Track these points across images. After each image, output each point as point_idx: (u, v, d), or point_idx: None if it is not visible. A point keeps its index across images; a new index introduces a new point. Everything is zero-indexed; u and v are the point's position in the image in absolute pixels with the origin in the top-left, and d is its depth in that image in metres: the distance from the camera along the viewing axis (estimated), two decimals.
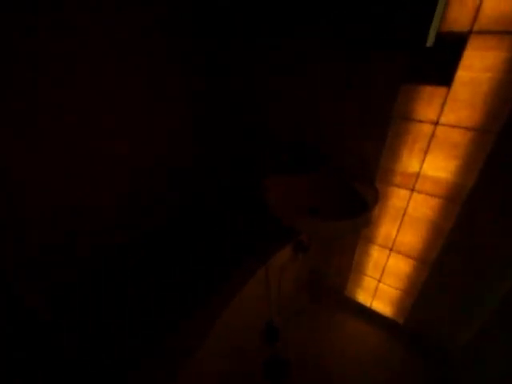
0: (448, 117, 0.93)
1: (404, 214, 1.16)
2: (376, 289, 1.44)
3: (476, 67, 0.83)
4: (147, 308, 0.99)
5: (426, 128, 0.98)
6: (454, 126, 0.93)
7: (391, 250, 1.27)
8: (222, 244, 1.25)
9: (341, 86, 1.06)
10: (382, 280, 1.39)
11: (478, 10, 0.77)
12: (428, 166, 1.03)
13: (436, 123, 0.95)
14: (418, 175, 1.06)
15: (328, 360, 1.36)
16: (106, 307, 0.99)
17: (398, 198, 1.14)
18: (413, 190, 1.09)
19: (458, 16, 0.80)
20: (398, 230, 1.21)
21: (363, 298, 1.53)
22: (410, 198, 1.11)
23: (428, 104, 0.94)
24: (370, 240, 1.32)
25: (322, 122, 1.17)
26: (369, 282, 1.44)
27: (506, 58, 0.78)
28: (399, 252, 1.26)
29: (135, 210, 1.19)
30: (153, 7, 0.99)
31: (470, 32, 0.80)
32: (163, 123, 1.19)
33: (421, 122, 0.98)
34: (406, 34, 0.87)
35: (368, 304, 1.52)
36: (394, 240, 1.24)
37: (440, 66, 0.88)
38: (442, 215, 1.08)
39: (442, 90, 0.91)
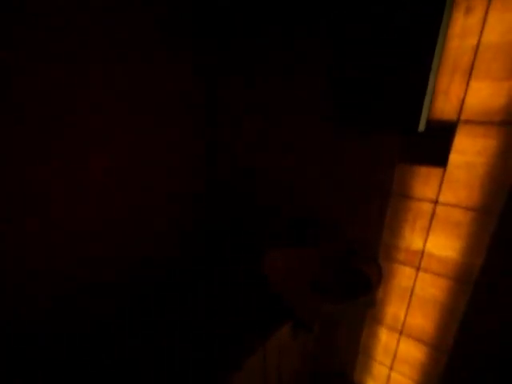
0: (447, 196, 0.92)
1: (411, 294, 1.08)
2: (388, 377, 1.27)
3: (469, 152, 0.85)
4: None
5: (426, 206, 0.96)
6: (453, 206, 0.91)
7: (401, 333, 1.16)
8: (219, 319, 1.14)
9: (342, 162, 1.08)
10: (394, 367, 1.23)
11: (462, 102, 0.82)
12: (432, 244, 0.99)
13: (435, 202, 0.94)
14: (422, 253, 1.01)
15: None
16: None
17: (403, 276, 1.08)
18: (418, 268, 1.04)
19: (444, 107, 0.85)
20: (407, 311, 1.11)
21: None
22: (416, 276, 1.05)
23: (425, 183, 0.95)
24: (377, 321, 1.21)
25: (322, 196, 1.17)
26: (379, 369, 1.28)
27: (495, 145, 0.80)
28: (410, 336, 1.14)
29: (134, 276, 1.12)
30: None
31: (457, 121, 0.84)
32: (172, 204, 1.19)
33: (420, 200, 0.97)
34: (398, 120, 0.91)
35: None
36: (404, 322, 1.14)
37: (433, 149, 0.90)
38: (452, 297, 1.00)
39: (438, 171, 0.92)
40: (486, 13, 0.75)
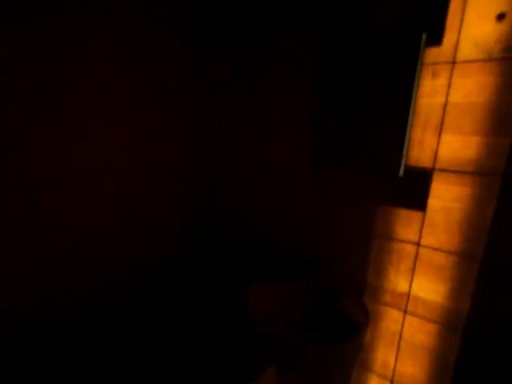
0: (428, 239, 0.95)
1: (400, 339, 1.06)
2: None
3: (446, 198, 0.90)
4: None
5: (409, 248, 0.99)
6: (435, 249, 0.94)
7: (392, 382, 1.11)
8: (202, 360, 1.08)
9: (328, 203, 1.12)
10: None
11: (435, 153, 0.89)
12: (417, 286, 0.99)
13: (418, 244, 0.97)
14: (408, 295, 1.02)
15: None
16: None
17: (390, 319, 1.06)
18: (405, 311, 1.03)
19: (419, 155, 0.92)
20: (396, 358, 1.08)
21: None
22: (403, 320, 1.04)
23: (407, 226, 0.98)
24: (366, 367, 1.16)
25: (309, 233, 1.19)
26: None
27: (470, 193, 0.85)
28: (398, 382, 1.09)
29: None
30: None
31: (433, 169, 0.90)
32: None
33: (402, 241, 1.00)
34: (381, 167, 0.97)
35: None
36: (394, 369, 1.10)
37: (412, 193, 0.95)
38: (441, 343, 0.98)
39: (418, 214, 0.96)
40: (450, 77, 0.84)
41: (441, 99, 0.87)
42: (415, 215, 0.96)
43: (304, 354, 1.08)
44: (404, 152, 0.94)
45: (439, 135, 0.88)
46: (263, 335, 0.99)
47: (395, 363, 1.09)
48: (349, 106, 1.00)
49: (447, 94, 0.86)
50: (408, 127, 0.91)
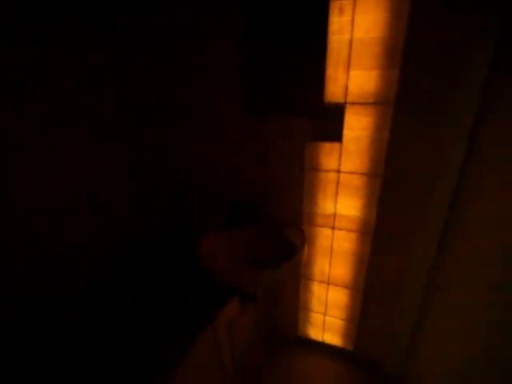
0: (346, 166, 1.12)
1: (331, 250, 1.30)
2: (323, 322, 1.51)
3: (356, 127, 1.04)
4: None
5: (332, 176, 1.15)
6: (351, 173, 1.12)
7: (328, 283, 1.38)
8: (162, 310, 1.20)
9: (264, 147, 1.20)
10: (327, 313, 1.47)
11: (346, 88, 1.00)
12: (340, 206, 1.19)
13: (338, 171, 1.14)
14: (334, 215, 1.22)
15: None
16: None
17: (323, 236, 1.28)
18: (333, 228, 1.25)
19: (334, 91, 1.02)
20: (330, 265, 1.33)
21: (314, 333, 1.58)
22: (332, 235, 1.26)
23: (330, 156, 1.13)
24: (309, 278, 1.42)
25: (249, 178, 1.29)
26: (316, 317, 1.51)
27: (372, 121, 1.01)
28: (336, 284, 1.37)
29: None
30: None
31: (345, 103, 1.02)
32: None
33: (327, 171, 1.15)
34: (304, 105, 1.05)
35: (320, 338, 1.58)
36: (329, 274, 1.36)
37: (330, 127, 1.08)
38: (359, 246, 1.24)
39: (337, 145, 1.10)
40: (353, 13, 0.91)
41: (347, 36, 0.95)
42: (334, 146, 1.10)
43: (256, 282, 1.27)
44: (324, 91, 1.02)
45: (348, 71, 0.98)
46: (219, 277, 1.11)
47: (329, 269, 1.35)
48: (271, 50, 1.02)
49: (352, 31, 0.93)
50: (325, 65, 0.98)
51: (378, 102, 0.98)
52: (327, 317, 1.48)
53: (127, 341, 1.05)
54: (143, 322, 1.13)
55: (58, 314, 1.09)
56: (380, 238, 1.16)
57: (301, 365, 1.55)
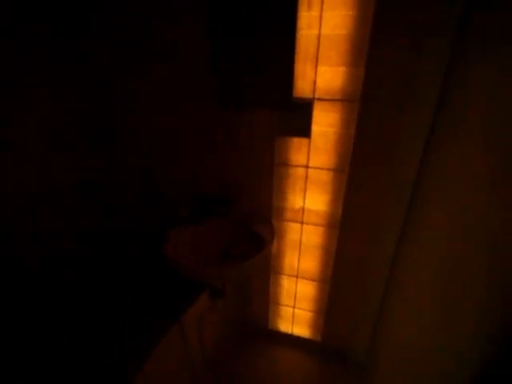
0: (314, 161, 1.13)
1: (300, 244, 1.32)
2: (293, 315, 1.54)
3: (324, 123, 1.06)
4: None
5: (301, 171, 1.17)
6: (319, 168, 1.14)
7: (297, 277, 1.41)
8: (129, 308, 1.15)
9: (231, 141, 1.18)
10: (296, 306, 1.50)
11: (314, 83, 1.01)
12: (309, 201, 1.21)
13: (307, 167, 1.15)
14: (303, 210, 1.24)
15: None
16: None
17: (292, 231, 1.30)
18: (302, 223, 1.26)
19: (302, 86, 1.02)
20: (299, 259, 1.36)
21: (284, 326, 1.61)
22: (301, 230, 1.28)
23: (298, 152, 1.14)
24: (278, 272, 1.43)
25: (218, 172, 1.26)
26: (286, 310, 1.54)
27: (339, 118, 1.03)
28: (304, 277, 1.40)
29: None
30: None
31: (313, 98, 1.03)
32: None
33: (296, 166, 1.16)
34: (276, 100, 1.05)
35: (289, 331, 1.61)
36: (298, 268, 1.38)
37: (299, 122, 1.08)
38: (327, 240, 1.27)
39: (306, 141, 1.11)
40: (322, 9, 0.92)
41: (315, 31, 0.95)
42: (303, 142, 1.11)
43: (225, 278, 1.26)
44: (292, 85, 1.02)
45: (316, 67, 0.98)
46: (189, 273, 1.08)
47: (298, 263, 1.37)
48: (240, 43, 1.00)
49: (320, 26, 0.94)
50: (293, 58, 0.98)
51: (345, 99, 0.99)
52: (296, 309, 1.51)
53: (94, 339, 1.00)
54: (108, 322, 1.08)
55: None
56: (346, 230, 1.20)
57: (271, 357, 1.57)
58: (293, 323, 1.57)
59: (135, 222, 1.47)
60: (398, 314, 1.10)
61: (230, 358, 1.54)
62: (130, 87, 1.19)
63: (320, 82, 1.00)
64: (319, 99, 1.02)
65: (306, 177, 1.17)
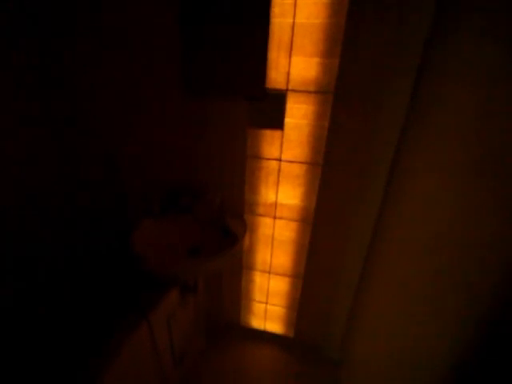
0: (287, 154, 1.11)
1: (273, 239, 1.29)
2: (265, 311, 1.52)
3: (297, 115, 1.04)
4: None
5: (273, 164, 1.14)
6: (292, 162, 1.12)
7: (269, 272, 1.39)
8: (94, 305, 1.08)
9: (200, 133, 1.13)
10: (269, 302, 1.48)
11: (288, 74, 0.98)
12: (281, 195, 1.19)
13: (279, 160, 1.13)
14: (276, 204, 1.21)
15: None
16: None
17: (265, 226, 1.27)
18: (275, 217, 1.24)
19: (276, 77, 0.99)
20: (271, 254, 1.33)
21: (256, 322, 1.59)
22: (274, 224, 1.26)
23: (271, 144, 1.11)
24: (250, 267, 1.40)
25: (187, 165, 1.21)
26: (258, 306, 1.52)
27: (313, 110, 1.01)
28: (277, 273, 1.38)
29: None
30: None
31: (287, 90, 1.00)
32: None
33: (268, 159, 1.14)
34: (247, 90, 1.01)
35: (262, 327, 1.59)
36: (270, 263, 1.36)
37: (272, 114, 1.05)
38: (300, 235, 1.25)
39: (278, 133, 1.09)
40: None
41: (289, 20, 0.92)
42: (276, 134, 1.09)
43: (196, 273, 1.21)
44: (265, 75, 0.99)
45: (289, 57, 0.96)
46: (156, 269, 1.03)
47: (271, 258, 1.35)
48: (211, 31, 0.95)
49: (294, 15, 0.91)
50: (266, 46, 0.94)
51: (319, 91, 0.98)
52: (269, 305, 1.49)
53: (57, 338, 0.93)
54: (72, 318, 1.00)
55: None
56: (319, 225, 1.19)
57: (242, 354, 1.54)
58: (265, 319, 1.55)
59: (99, 216, 1.38)
60: (371, 311, 1.11)
61: (200, 355, 1.50)
62: (95, 75, 1.10)
63: (294, 73, 0.97)
64: (293, 90, 1.00)
65: (279, 170, 1.14)
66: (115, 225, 1.40)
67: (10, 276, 1.08)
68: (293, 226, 1.25)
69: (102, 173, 1.31)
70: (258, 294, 1.47)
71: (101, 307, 1.07)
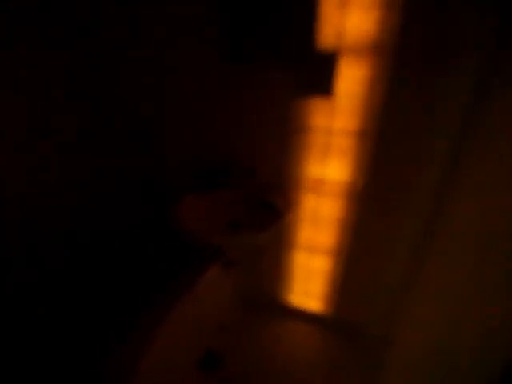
0: (336, 125, 1.02)
1: (316, 216, 1.24)
2: (305, 289, 1.50)
3: (350, 79, 0.94)
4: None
5: (321, 136, 1.06)
6: (342, 132, 1.03)
7: (311, 250, 1.35)
8: (145, 276, 1.14)
9: (243, 105, 1.08)
10: (309, 279, 1.45)
11: (341, 32, 0.87)
12: (329, 170, 1.11)
13: (328, 131, 1.04)
14: (322, 179, 1.14)
15: (275, 368, 1.36)
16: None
17: (308, 202, 1.22)
18: (320, 193, 1.18)
19: (327, 36, 0.89)
20: (315, 231, 1.29)
21: (296, 300, 1.58)
22: (318, 201, 1.19)
23: (319, 114, 1.02)
24: (292, 245, 1.37)
25: (230, 139, 1.18)
26: (298, 284, 1.50)
27: (367, 73, 0.90)
28: (318, 251, 1.34)
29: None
30: None
31: (339, 51, 0.90)
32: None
33: (316, 131, 1.06)
34: (292, 49, 0.93)
35: (301, 305, 1.58)
36: (313, 241, 1.32)
37: (322, 78, 0.96)
38: (346, 212, 1.18)
39: (327, 101, 1.00)
40: None
41: None
42: (325, 102, 1.00)
43: (238, 247, 1.21)
44: (314, 35, 0.90)
45: (344, 12, 0.85)
46: (200, 242, 1.05)
47: (314, 235, 1.30)
48: None
49: None
50: (317, 6, 0.85)
51: (377, 50, 0.86)
52: (309, 283, 1.46)
53: (112, 304, 1.01)
54: (124, 286, 1.08)
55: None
56: (368, 202, 1.10)
57: (280, 330, 1.56)
58: (305, 297, 1.53)
59: (145, 191, 1.43)
60: (421, 298, 1.02)
61: (239, 329, 1.54)
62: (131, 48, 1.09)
63: (348, 31, 0.87)
64: (346, 51, 0.89)
65: (327, 143, 1.06)
66: (155, 201, 1.44)
67: (72, 239, 1.17)
68: (339, 202, 1.17)
69: (140, 148, 1.33)
70: (298, 271, 1.45)
71: (151, 276, 1.13)
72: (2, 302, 0.93)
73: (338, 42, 0.89)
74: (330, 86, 0.95)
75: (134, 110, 1.24)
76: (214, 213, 1.15)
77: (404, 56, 0.83)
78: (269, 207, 1.13)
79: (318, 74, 0.94)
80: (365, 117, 0.97)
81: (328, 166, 1.11)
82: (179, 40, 1.03)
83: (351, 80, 0.93)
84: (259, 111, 1.07)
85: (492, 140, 0.71)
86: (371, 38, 0.86)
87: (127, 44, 1.09)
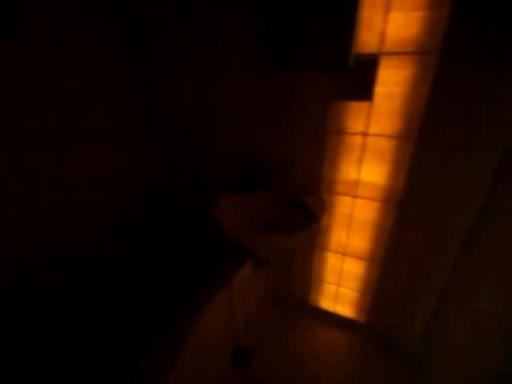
0: (374, 128, 1.02)
1: (351, 220, 1.23)
2: (336, 293, 1.49)
3: (389, 83, 0.93)
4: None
5: (358, 139, 1.06)
6: (380, 136, 1.02)
7: (344, 254, 1.34)
8: (181, 274, 1.21)
9: (280, 106, 1.11)
10: (341, 284, 1.44)
11: (382, 34, 0.87)
12: (364, 173, 1.11)
13: (365, 134, 1.04)
14: (357, 183, 1.14)
15: (302, 371, 1.36)
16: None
17: (343, 205, 1.21)
18: (355, 196, 1.17)
19: (367, 39, 0.90)
20: (348, 235, 1.28)
21: (326, 304, 1.57)
22: (353, 204, 1.19)
23: (357, 118, 1.03)
24: (324, 248, 1.37)
25: (267, 140, 1.21)
26: (329, 287, 1.49)
27: (410, 75, 0.89)
28: (351, 255, 1.32)
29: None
30: None
31: (379, 53, 0.90)
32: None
33: (352, 134, 1.06)
34: (331, 58, 0.94)
35: (331, 309, 1.56)
36: (346, 245, 1.31)
37: (361, 83, 0.97)
38: (382, 216, 1.16)
39: (366, 105, 1.00)
40: None
41: None
42: (363, 105, 1.00)
43: (271, 248, 1.24)
44: (353, 39, 0.90)
45: (387, 13, 0.85)
46: (234, 241, 1.08)
47: (347, 239, 1.29)
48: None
49: None
50: (357, 9, 0.85)
51: (419, 51, 0.85)
52: (341, 287, 1.45)
53: (149, 299, 1.08)
54: (163, 282, 1.14)
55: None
56: (407, 209, 1.08)
57: (310, 333, 1.55)
58: (336, 301, 1.52)
59: (185, 188, 1.51)
60: (460, 314, 0.98)
61: (268, 328, 1.56)
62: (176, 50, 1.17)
63: (390, 32, 0.86)
64: (387, 53, 0.89)
65: (364, 145, 1.06)
66: (193, 199, 1.51)
67: (125, 236, 1.27)
68: (374, 206, 1.16)
69: (180, 147, 1.40)
70: (329, 275, 1.44)
71: (188, 270, 1.19)
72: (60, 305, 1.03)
73: (379, 45, 0.89)
74: (370, 92, 0.95)
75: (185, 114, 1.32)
76: (250, 213, 1.19)
77: (448, 56, 0.81)
78: (304, 209, 1.14)
79: (358, 80, 0.95)
80: (403, 120, 0.96)
81: (364, 168, 1.10)
82: (229, 49, 1.09)
83: (390, 82, 0.92)
84: (296, 114, 1.10)
85: None
86: (413, 38, 0.85)
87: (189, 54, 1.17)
